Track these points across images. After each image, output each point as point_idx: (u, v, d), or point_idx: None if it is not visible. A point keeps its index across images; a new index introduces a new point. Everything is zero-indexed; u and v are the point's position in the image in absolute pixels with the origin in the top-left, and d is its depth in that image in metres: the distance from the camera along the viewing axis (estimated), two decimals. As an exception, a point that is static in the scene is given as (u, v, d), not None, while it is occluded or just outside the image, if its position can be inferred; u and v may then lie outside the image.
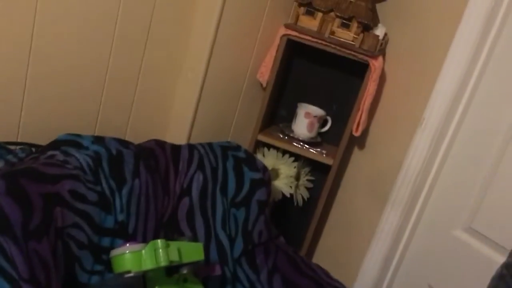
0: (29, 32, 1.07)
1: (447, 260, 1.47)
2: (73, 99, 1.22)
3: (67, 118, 1.23)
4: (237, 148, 1.41)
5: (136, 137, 1.36)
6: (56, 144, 1.15)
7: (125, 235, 1.12)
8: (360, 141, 1.68)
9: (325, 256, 1.78)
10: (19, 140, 1.18)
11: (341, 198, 1.75)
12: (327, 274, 1.37)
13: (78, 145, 1.16)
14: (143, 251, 0.98)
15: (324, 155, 1.58)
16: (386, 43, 1.57)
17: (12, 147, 1.14)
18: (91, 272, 1.06)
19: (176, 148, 1.30)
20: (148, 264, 0.97)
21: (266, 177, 1.41)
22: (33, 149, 1.15)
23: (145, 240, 1.17)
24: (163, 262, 0.97)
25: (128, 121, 1.37)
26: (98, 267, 1.07)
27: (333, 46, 1.45)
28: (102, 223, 1.09)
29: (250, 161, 1.40)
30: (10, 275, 0.84)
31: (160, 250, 0.98)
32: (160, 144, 1.29)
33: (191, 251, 1.04)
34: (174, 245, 1.00)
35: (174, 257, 0.99)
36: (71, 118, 1.24)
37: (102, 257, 1.08)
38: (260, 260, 1.36)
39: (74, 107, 1.23)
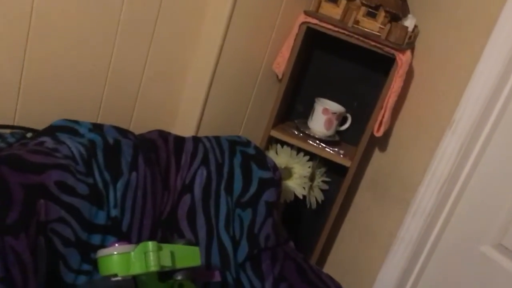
0: (27, 9, 0.97)
1: (473, 278, 1.34)
2: (75, 82, 1.13)
3: (68, 103, 1.14)
4: (247, 143, 1.30)
5: (142, 126, 1.26)
6: (50, 130, 1.06)
7: (118, 233, 1.03)
8: (381, 143, 1.56)
9: (337, 265, 1.67)
10: (15, 124, 1.09)
11: (358, 203, 1.63)
12: (338, 286, 1.26)
13: (74, 132, 1.07)
14: (132, 254, 0.88)
15: (342, 156, 1.46)
16: (416, 36, 1.44)
17: (5, 132, 1.05)
18: (78, 271, 0.97)
19: (179, 141, 1.20)
20: (136, 268, 0.87)
21: (277, 176, 1.30)
22: (28, 135, 1.07)
23: (140, 239, 1.07)
24: (153, 267, 0.87)
25: (134, 109, 1.28)
26: (86, 267, 0.98)
27: (356, 36, 1.33)
28: (92, 218, 0.99)
29: (260, 158, 1.29)
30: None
31: (151, 253, 0.88)
32: (163, 135, 1.19)
33: (187, 256, 0.93)
34: (167, 248, 0.90)
35: (167, 262, 0.89)
36: (72, 103, 1.15)
37: (91, 256, 0.98)
38: (266, 266, 1.26)
39: (75, 91, 1.14)
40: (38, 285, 0.83)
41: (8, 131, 1.05)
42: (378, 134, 1.39)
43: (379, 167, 1.57)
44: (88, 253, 0.98)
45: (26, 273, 0.81)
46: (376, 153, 1.58)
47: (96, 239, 1.00)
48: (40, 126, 1.07)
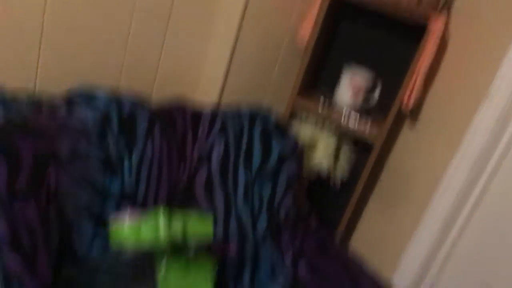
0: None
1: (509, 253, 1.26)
2: (95, 49, 1.11)
3: (88, 70, 1.12)
4: (268, 114, 1.25)
5: (163, 94, 1.24)
6: (65, 96, 1.05)
7: (133, 203, 1.01)
8: (411, 116, 1.48)
9: (361, 243, 1.61)
10: (36, 90, 1.08)
11: (385, 180, 1.56)
12: (361, 263, 1.21)
13: (90, 99, 1.05)
14: (143, 222, 0.86)
15: (369, 130, 1.39)
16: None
17: (22, 97, 1.04)
18: (92, 241, 0.96)
19: (197, 112, 1.16)
20: (147, 237, 0.85)
21: (299, 149, 1.25)
22: (43, 101, 1.06)
23: (156, 209, 1.05)
24: (163, 236, 0.85)
25: (155, 77, 1.25)
26: (100, 237, 0.97)
27: (385, 4, 1.24)
28: (106, 188, 0.98)
29: (281, 130, 1.24)
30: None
31: (162, 222, 0.86)
32: (181, 106, 1.16)
33: (199, 226, 0.91)
34: (179, 217, 0.88)
35: (177, 231, 0.87)
36: (92, 70, 1.13)
37: (105, 225, 0.97)
38: (286, 241, 1.22)
39: (96, 59, 1.12)
40: (49, 254, 0.83)
41: (24, 96, 1.05)
42: (408, 106, 1.31)
43: (407, 142, 1.49)
44: (102, 222, 0.97)
45: (36, 240, 0.80)
46: (405, 128, 1.50)
47: (110, 208, 0.98)
48: (59, 92, 1.06)
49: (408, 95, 1.30)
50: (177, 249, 0.92)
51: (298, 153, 1.24)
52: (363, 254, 1.27)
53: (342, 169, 1.48)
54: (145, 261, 0.94)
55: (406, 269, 1.44)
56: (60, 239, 0.89)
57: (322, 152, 1.43)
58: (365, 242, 1.60)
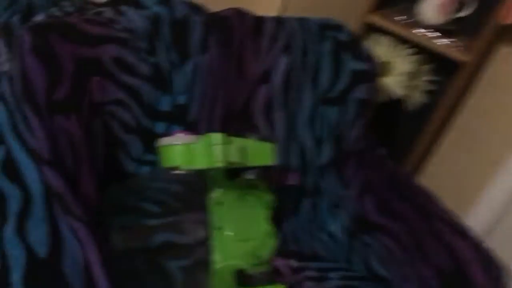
0: None
1: None
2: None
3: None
4: (340, 28, 1.09)
5: (218, 4, 1.09)
6: (112, 0, 0.93)
7: (185, 122, 0.92)
8: (510, 33, 1.25)
9: (435, 179, 1.46)
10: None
11: (471, 109, 1.37)
12: (435, 200, 1.07)
13: (138, 3, 0.93)
14: (197, 145, 0.76)
15: (457, 49, 1.19)
16: None
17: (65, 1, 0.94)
18: (140, 161, 0.88)
19: (259, 21, 1.02)
20: (200, 162, 0.75)
21: (373, 70, 1.10)
22: (88, 4, 0.95)
23: (209, 131, 0.95)
24: (219, 162, 0.75)
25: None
26: (150, 157, 0.89)
27: None
28: (156, 104, 0.88)
29: (355, 47, 1.08)
30: (37, 154, 0.68)
31: (218, 146, 0.75)
32: (240, 14, 1.01)
33: (260, 153, 0.80)
34: (237, 142, 0.77)
35: (235, 157, 0.76)
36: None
37: (154, 145, 0.88)
38: (352, 173, 1.10)
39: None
40: (93, 173, 0.75)
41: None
42: (508, 20, 1.10)
43: (504, 63, 1.27)
44: (151, 142, 0.88)
45: (79, 157, 0.73)
46: (502, 47, 1.28)
47: (160, 127, 0.89)
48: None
49: (509, 7, 1.08)
50: (233, 175, 0.83)
51: (372, 74, 1.08)
52: (434, 192, 1.12)
53: (418, 96, 1.31)
54: (198, 185, 0.86)
55: (480, 215, 1.31)
56: (106, 157, 0.82)
57: (398, 75, 1.26)
58: (438, 179, 1.45)
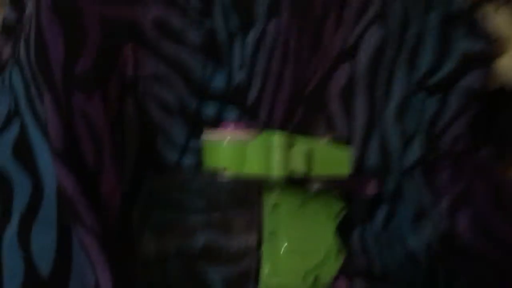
0: None
1: None
2: None
3: None
4: (451, -4, 0.86)
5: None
6: None
7: (242, 106, 0.75)
8: None
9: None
10: None
11: None
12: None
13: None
14: (250, 145, 0.59)
15: None
16: None
17: None
18: (184, 148, 0.73)
19: (346, -18, 0.81)
20: (252, 167, 0.59)
21: (490, 51, 0.86)
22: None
23: (271, 119, 0.77)
24: (276, 170, 0.58)
25: None
26: (196, 144, 0.73)
27: None
28: (206, 81, 0.72)
29: (469, 20, 0.85)
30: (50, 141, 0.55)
31: (277, 150, 0.58)
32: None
33: (330, 160, 0.62)
34: (302, 144, 0.59)
35: (298, 165, 0.59)
36: None
37: (203, 130, 0.73)
38: (446, 179, 0.88)
39: None
40: (117, 165, 0.60)
41: None
42: None
43: None
44: (198, 126, 0.73)
45: (100, 148, 0.58)
46: None
47: (210, 110, 0.72)
48: None
49: None
50: (296, 185, 0.65)
51: (489, 57, 0.85)
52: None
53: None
54: (250, 190, 0.70)
55: None
56: (140, 145, 0.67)
57: (518, 58, 1.01)
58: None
